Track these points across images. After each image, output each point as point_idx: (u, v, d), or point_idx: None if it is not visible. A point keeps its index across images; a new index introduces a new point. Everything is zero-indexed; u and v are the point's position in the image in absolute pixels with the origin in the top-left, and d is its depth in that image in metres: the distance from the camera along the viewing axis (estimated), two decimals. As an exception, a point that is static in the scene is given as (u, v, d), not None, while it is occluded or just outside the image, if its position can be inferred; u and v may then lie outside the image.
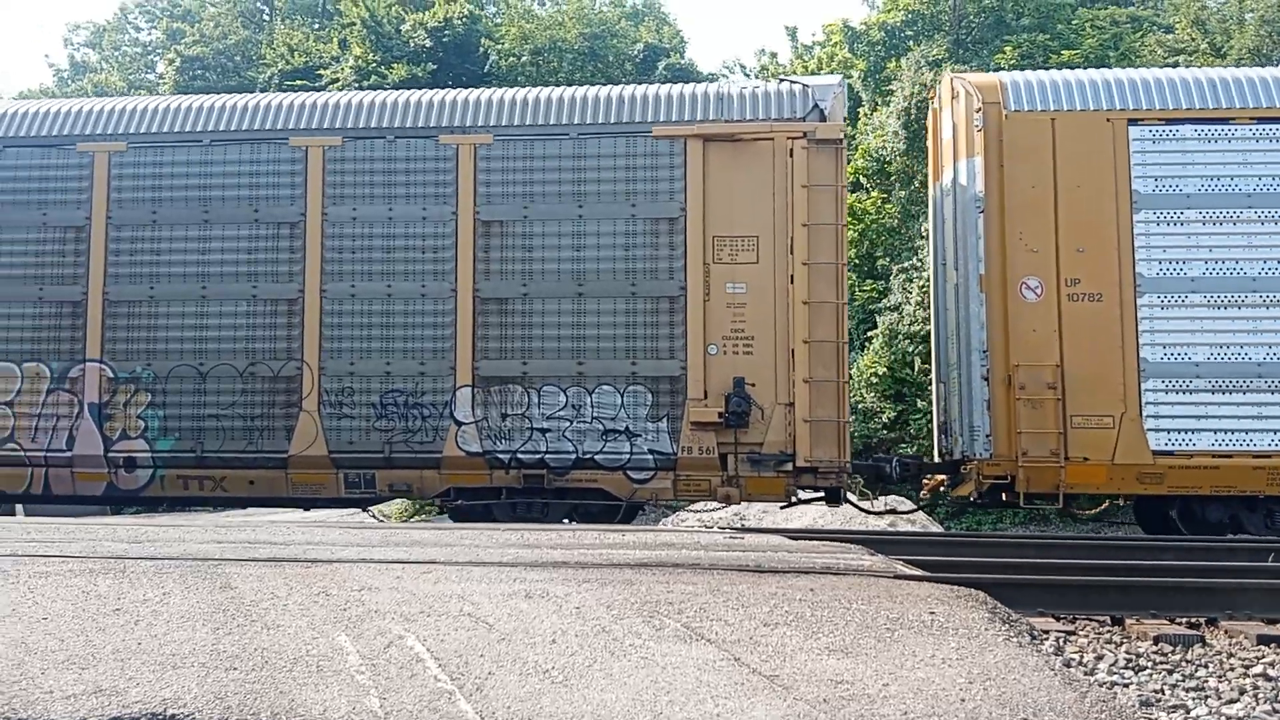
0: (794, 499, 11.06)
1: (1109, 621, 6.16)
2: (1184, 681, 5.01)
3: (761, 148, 10.97)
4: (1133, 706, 4.50)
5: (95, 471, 11.32)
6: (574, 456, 10.86)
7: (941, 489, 11.88)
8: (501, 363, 11.01)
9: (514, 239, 11.15)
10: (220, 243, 11.42)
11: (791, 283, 10.76)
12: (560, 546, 7.42)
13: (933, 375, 12.81)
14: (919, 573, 6.50)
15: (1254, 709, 4.65)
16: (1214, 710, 4.57)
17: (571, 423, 10.90)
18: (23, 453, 11.37)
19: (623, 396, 10.89)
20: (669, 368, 10.86)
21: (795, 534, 8.91)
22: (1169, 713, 4.48)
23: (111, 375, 11.36)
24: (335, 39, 30.59)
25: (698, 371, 10.76)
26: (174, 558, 6.36)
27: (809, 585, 5.96)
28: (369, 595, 5.37)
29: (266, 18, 39.52)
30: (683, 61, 32.00)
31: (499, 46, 28.26)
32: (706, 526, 12.17)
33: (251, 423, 11.16)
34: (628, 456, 10.84)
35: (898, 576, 6.26)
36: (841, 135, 10.96)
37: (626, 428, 10.87)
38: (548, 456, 10.87)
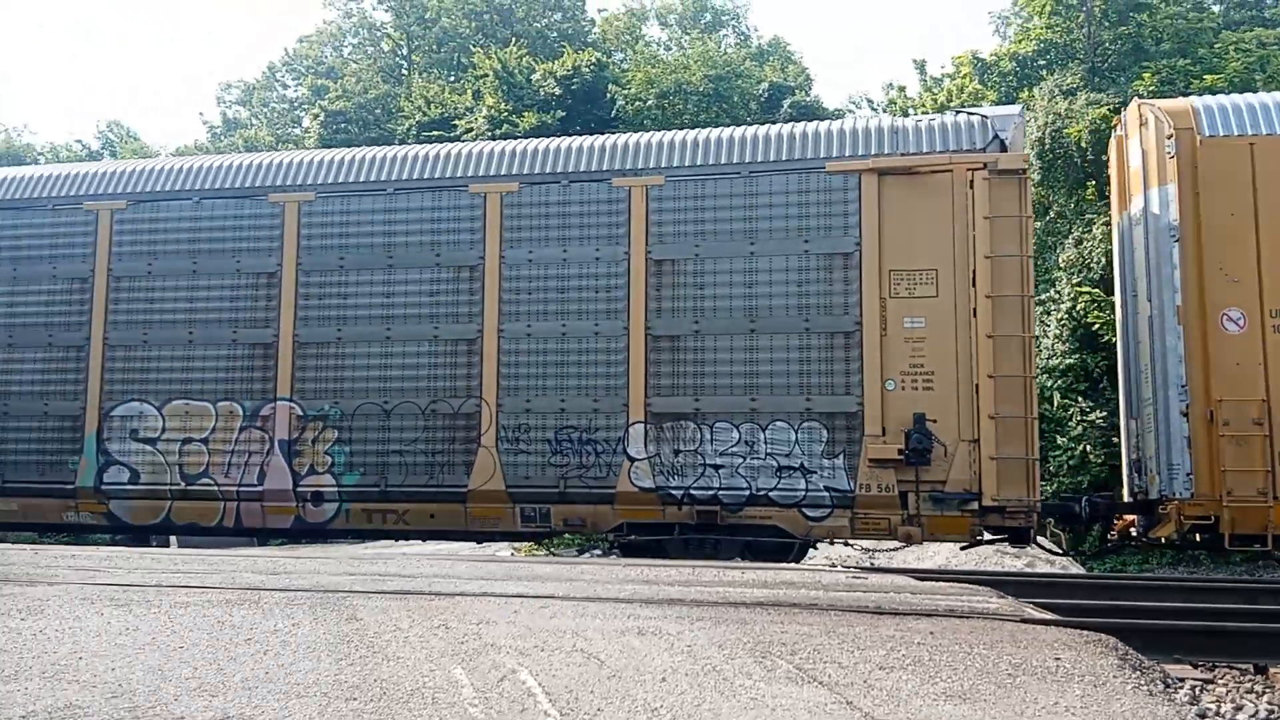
0: (978, 539, 10.76)
1: (1252, 670, 5.83)
2: (1334, 737, 4.71)
3: (940, 180, 10.86)
4: (1273, 762, 4.25)
5: (284, 505, 11.77)
6: (748, 493, 10.84)
7: (1133, 530, 11.42)
8: (674, 399, 11.10)
9: (686, 277, 11.28)
10: (404, 286, 11.86)
11: (974, 316, 10.57)
12: (678, 583, 7.43)
13: (1120, 411, 12.37)
14: (1048, 616, 6.28)
15: None
16: (1366, 769, 4.28)
17: (745, 459, 10.88)
18: (216, 487, 11.90)
19: (797, 433, 10.83)
20: (845, 404, 10.75)
21: (922, 574, 8.70)
22: (1314, 769, 4.22)
23: (301, 413, 11.84)
24: (469, 90, 31.68)
25: (875, 407, 10.63)
26: (306, 589, 6.63)
27: (929, 628, 5.83)
28: (486, 629, 5.49)
29: (405, 72, 41.19)
30: (808, 99, 32.00)
31: (625, 92, 28.79)
32: (832, 565, 11.99)
33: (433, 458, 11.50)
34: (803, 493, 10.76)
35: (1024, 620, 6.06)
36: (1024, 165, 10.79)
37: (801, 464, 10.80)
38: (721, 493, 10.88)
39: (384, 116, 36.18)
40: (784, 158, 11.33)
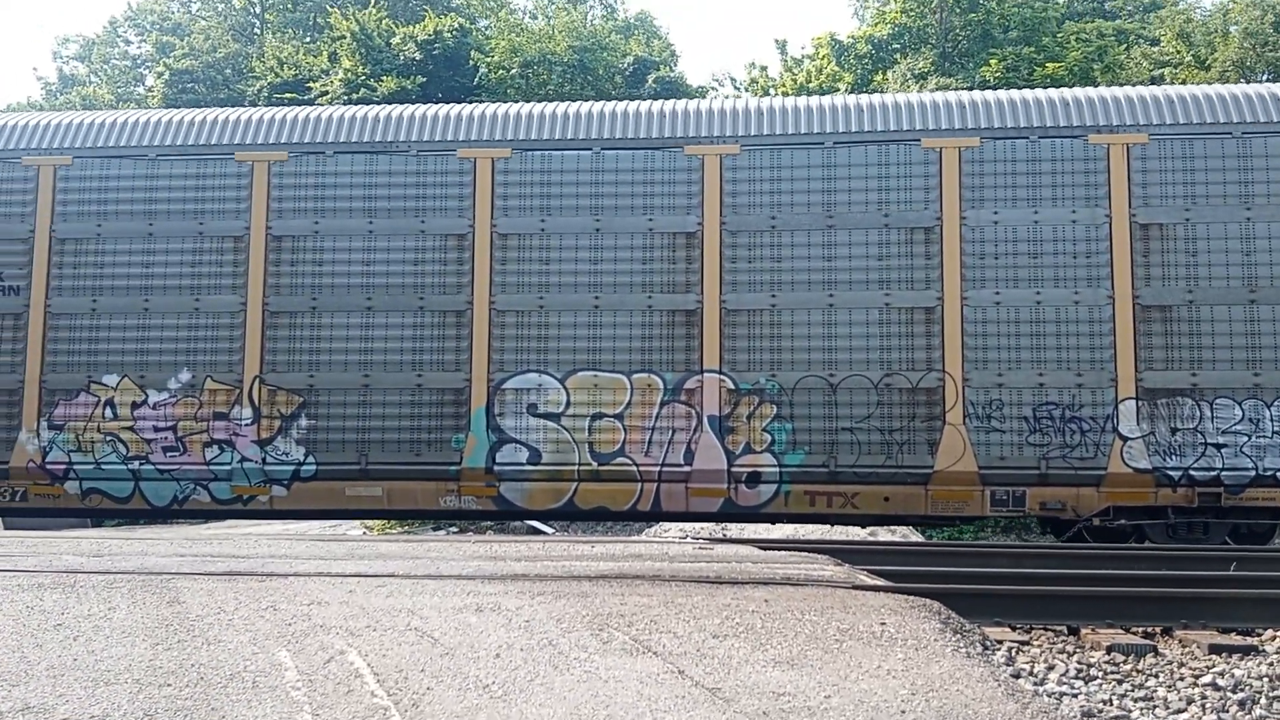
0: None
1: (1065, 631, 6.15)
2: (1133, 691, 4.99)
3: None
4: (1075, 717, 4.48)
5: (714, 487, 10.87)
6: (1252, 473, 10.31)
7: None
8: (1167, 374, 10.53)
9: (1174, 242, 10.74)
10: (846, 248, 11.03)
11: None
12: (525, 559, 7.40)
13: None
14: (878, 583, 6.48)
15: (1200, 718, 4.63)
16: (1159, 721, 4.55)
17: (1249, 437, 10.38)
18: (635, 467, 10.98)
19: None
20: None
21: (767, 544, 8.87)
22: (1111, 724, 4.47)
23: (732, 387, 10.94)
24: (325, 52, 30.63)
25: None
26: (129, 571, 6.34)
27: (765, 596, 5.95)
28: (317, 610, 5.35)
29: (257, 31, 39.60)
30: (673, 74, 32.07)
31: (489, 60, 28.30)
32: (682, 537, 12.13)
33: (889, 436, 10.74)
34: None
35: (855, 587, 6.25)
36: None
37: None
38: (1224, 474, 10.35)
39: (234, 77, 34.73)
40: None
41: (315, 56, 31.02)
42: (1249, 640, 5.85)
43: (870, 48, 28.38)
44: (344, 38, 29.52)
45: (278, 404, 11.27)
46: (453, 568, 6.71)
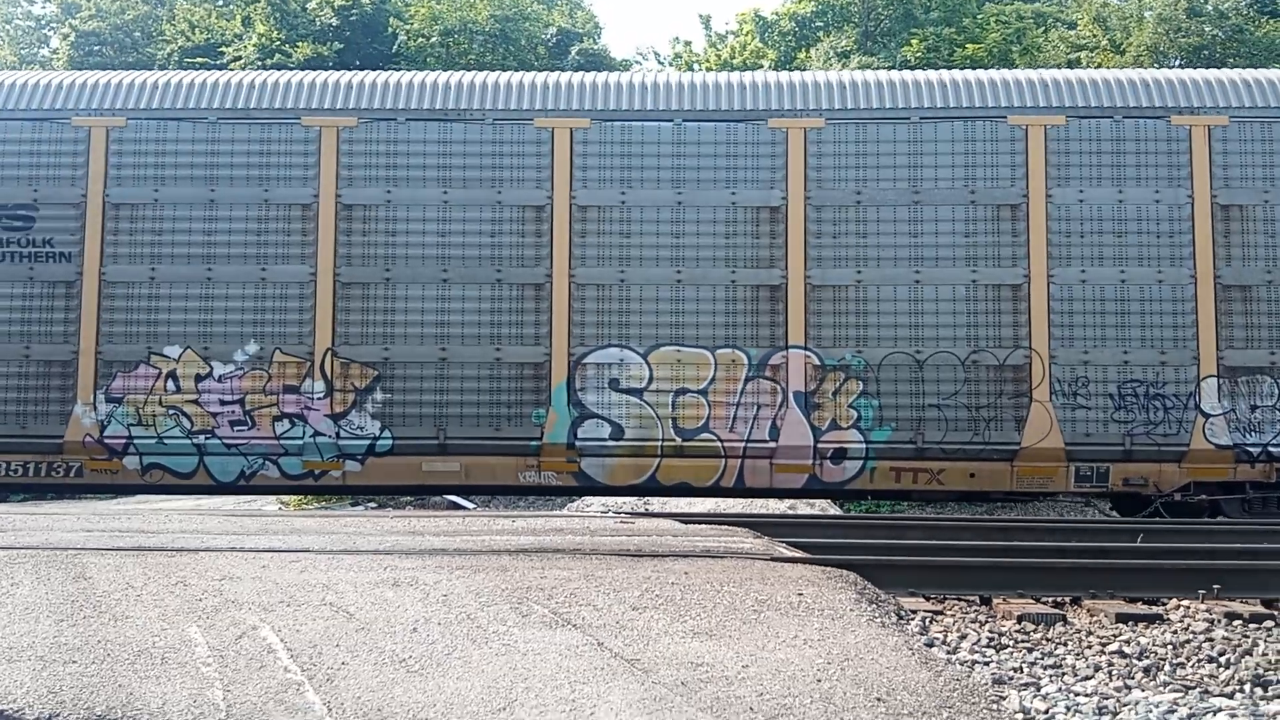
0: None
1: (978, 601, 6.28)
2: (1043, 660, 5.12)
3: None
4: (986, 684, 4.58)
5: (800, 463, 10.84)
6: None
7: None
8: (1247, 352, 10.75)
9: (1256, 224, 10.89)
10: (934, 224, 11.01)
11: None
12: (444, 533, 7.32)
13: None
14: (796, 554, 6.55)
15: (1106, 684, 4.77)
16: (1065, 687, 4.67)
17: None
18: (719, 443, 10.88)
19: None
20: None
21: (689, 518, 8.91)
22: (1020, 690, 4.57)
23: (818, 363, 10.89)
24: (238, 16, 29.74)
25: None
26: (33, 547, 6.12)
27: (684, 569, 5.97)
28: (229, 585, 5.23)
29: (168, -7, 38.28)
30: (596, 47, 31.82)
31: (408, 27, 27.76)
32: (604, 511, 12.15)
33: (977, 413, 10.79)
34: None
35: (774, 559, 6.31)
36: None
37: None
38: None
39: (143, 40, 33.55)
40: None
41: (228, 20, 30.11)
42: (1154, 609, 6.04)
43: (794, 25, 28.50)
44: (258, 1, 28.71)
45: (351, 377, 11.06)
46: (370, 543, 6.62)
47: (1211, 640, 5.44)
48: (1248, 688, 4.73)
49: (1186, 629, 5.68)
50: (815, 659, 4.46)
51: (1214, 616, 5.91)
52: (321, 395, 11.02)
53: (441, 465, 11.00)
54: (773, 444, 10.88)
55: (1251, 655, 5.22)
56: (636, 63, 38.04)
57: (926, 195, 11.08)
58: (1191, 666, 5.05)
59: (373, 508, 16.29)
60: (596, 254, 11.17)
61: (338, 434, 10.99)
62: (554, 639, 4.60)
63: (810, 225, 11.06)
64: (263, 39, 27.36)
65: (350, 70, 12.52)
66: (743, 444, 10.90)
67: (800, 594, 5.39)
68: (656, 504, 14.59)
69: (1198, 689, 4.71)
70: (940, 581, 6.36)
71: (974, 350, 10.89)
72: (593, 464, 11.02)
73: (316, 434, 10.99)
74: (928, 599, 6.21)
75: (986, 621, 5.83)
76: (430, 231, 11.22)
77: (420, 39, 27.58)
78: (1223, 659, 5.13)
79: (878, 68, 22.86)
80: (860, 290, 11.00)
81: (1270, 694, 4.68)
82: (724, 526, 8.07)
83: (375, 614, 4.84)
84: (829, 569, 6.00)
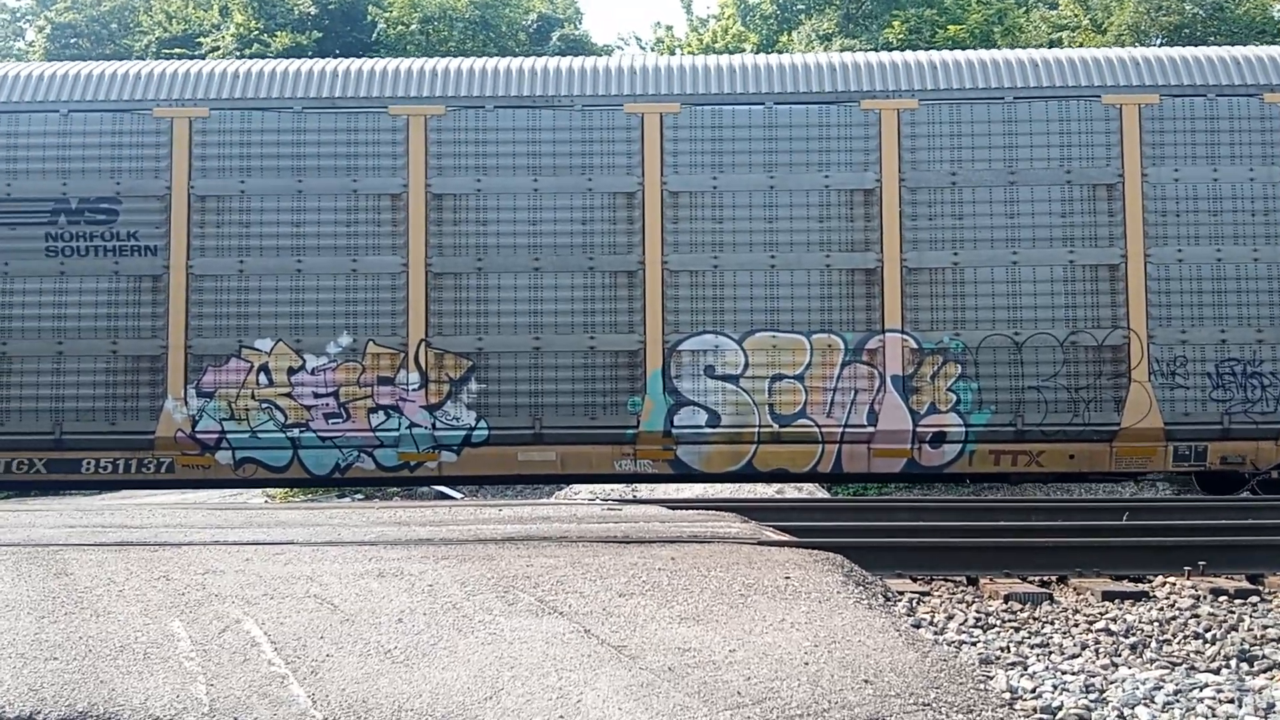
0: None
1: (965, 582, 6.29)
2: (1029, 639, 5.12)
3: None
4: (973, 664, 4.58)
5: (898, 448, 10.85)
6: None
7: None
8: None
9: None
10: (1029, 205, 11.02)
11: None
12: (430, 524, 7.30)
13: None
14: (783, 538, 6.55)
15: (1093, 662, 4.78)
16: (1052, 666, 4.68)
17: None
18: (817, 429, 10.87)
19: None
20: None
21: (676, 504, 8.91)
22: (1007, 669, 4.57)
23: (915, 346, 10.90)
24: (216, 6, 29.48)
25: None
26: (14, 544, 6.07)
27: (671, 554, 5.96)
28: (212, 579, 5.19)
29: (144, -17, 37.89)
30: (577, 33, 31.68)
31: (387, 15, 27.58)
32: (591, 498, 12.14)
33: (1076, 394, 10.82)
34: None
35: (760, 543, 6.30)
36: None
37: None
38: None
39: (120, 31, 33.23)
40: None
41: (206, 10, 29.83)
42: (1140, 587, 6.06)
43: (776, 8, 28.41)
44: (236, -10, 28.46)
45: (445, 368, 11.06)
46: (354, 534, 6.58)
47: (1197, 616, 5.46)
48: (1234, 663, 4.74)
49: (1173, 606, 5.69)
50: (802, 642, 4.45)
51: (1200, 593, 5.93)
52: (416, 386, 11.02)
53: (538, 455, 11.02)
54: (870, 429, 10.90)
55: (1237, 630, 5.23)
56: (618, 48, 37.90)
57: (1022, 176, 11.16)
58: (1178, 643, 5.07)
59: (359, 499, 16.25)
60: (689, 240, 11.20)
61: (433, 425, 11.00)
62: (540, 627, 4.57)
63: (905, 208, 11.13)
64: (241, 29, 27.16)
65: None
66: (840, 429, 10.92)
67: (787, 577, 5.38)
68: (644, 490, 14.59)
69: (1184, 665, 4.72)
70: (927, 563, 6.37)
71: (1072, 331, 10.96)
72: (689, 451, 11.03)
73: (412, 425, 11.00)
74: (915, 580, 6.21)
75: (973, 602, 5.83)
76: (521, 220, 11.24)
77: (400, 26, 27.41)
78: (1209, 635, 5.15)
79: (860, 49, 22.82)
80: (957, 272, 11.04)
81: (1256, 669, 4.70)
82: (711, 512, 8.06)
83: (360, 605, 4.81)
84: (816, 552, 5.99)
